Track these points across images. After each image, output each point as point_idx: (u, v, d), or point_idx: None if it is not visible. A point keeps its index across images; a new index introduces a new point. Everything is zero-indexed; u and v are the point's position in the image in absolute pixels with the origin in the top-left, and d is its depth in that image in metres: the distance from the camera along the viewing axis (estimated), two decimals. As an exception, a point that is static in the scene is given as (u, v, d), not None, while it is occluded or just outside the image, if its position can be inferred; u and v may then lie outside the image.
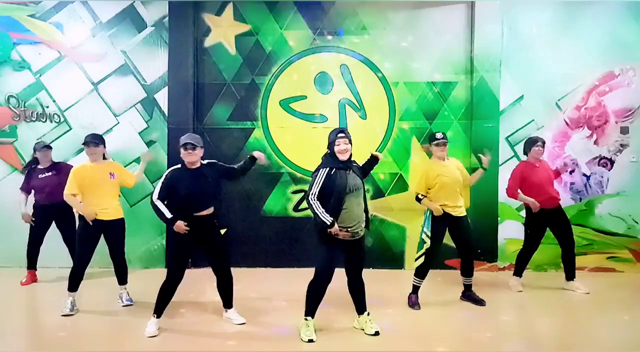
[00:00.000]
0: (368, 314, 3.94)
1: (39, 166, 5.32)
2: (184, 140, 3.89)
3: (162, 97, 6.06)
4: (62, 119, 6.08)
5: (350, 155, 3.82)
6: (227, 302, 4.13)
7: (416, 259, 4.57)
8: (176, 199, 3.82)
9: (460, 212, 4.56)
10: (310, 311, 3.83)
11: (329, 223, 3.62)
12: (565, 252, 5.07)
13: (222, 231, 4.14)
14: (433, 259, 4.57)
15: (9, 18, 6.03)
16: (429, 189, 4.55)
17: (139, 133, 6.08)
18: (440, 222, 4.52)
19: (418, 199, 4.59)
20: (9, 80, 6.06)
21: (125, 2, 6.05)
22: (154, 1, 6.04)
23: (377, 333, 3.82)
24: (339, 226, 3.67)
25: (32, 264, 5.41)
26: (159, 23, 6.06)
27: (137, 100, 6.09)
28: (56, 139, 5.99)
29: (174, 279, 3.87)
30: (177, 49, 5.99)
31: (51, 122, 6.07)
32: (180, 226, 3.77)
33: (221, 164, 4.16)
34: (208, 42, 6.11)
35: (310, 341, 3.72)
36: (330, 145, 3.77)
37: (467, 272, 4.65)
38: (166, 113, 6.04)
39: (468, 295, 4.72)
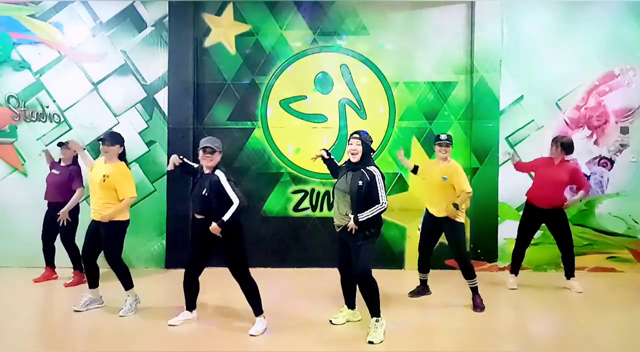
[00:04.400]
0: (377, 321, 3.80)
1: (61, 164, 5.37)
2: (204, 143, 3.89)
3: (162, 97, 6.06)
4: (62, 119, 6.08)
5: (368, 160, 3.85)
6: (253, 310, 4.00)
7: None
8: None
9: (438, 213, 4.59)
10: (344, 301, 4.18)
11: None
12: (564, 254, 5.13)
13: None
14: (420, 252, 4.83)
15: (9, 18, 6.03)
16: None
17: (139, 133, 6.08)
18: (427, 218, 4.76)
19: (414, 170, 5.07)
20: (9, 80, 6.06)
21: (125, 2, 6.05)
22: (154, 1, 6.04)
23: (370, 342, 3.70)
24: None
25: (47, 261, 5.41)
26: (159, 23, 6.06)
27: (137, 100, 6.08)
28: (56, 139, 5.96)
29: (186, 271, 4.05)
30: (177, 49, 5.99)
31: (51, 122, 6.07)
32: (173, 157, 4.07)
33: (222, 185, 3.82)
34: (208, 42, 6.11)
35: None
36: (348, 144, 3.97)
37: (464, 274, 4.54)
38: (166, 113, 6.04)
39: (472, 298, 4.58)
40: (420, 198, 4.90)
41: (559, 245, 5.10)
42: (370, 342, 3.68)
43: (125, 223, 4.40)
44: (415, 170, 5.06)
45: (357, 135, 3.84)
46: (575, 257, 5.15)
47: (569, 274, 5.17)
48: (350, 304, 4.14)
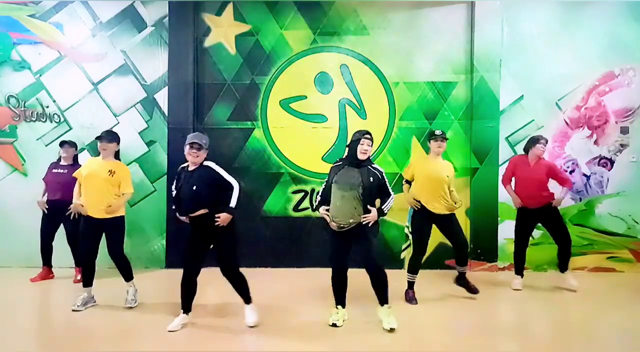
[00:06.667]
0: (389, 307, 3.98)
1: (61, 163, 5.39)
2: (191, 139, 3.88)
3: (162, 97, 6.07)
4: (62, 119, 6.08)
5: (370, 159, 3.98)
6: (244, 299, 4.12)
7: (402, 250, 4.86)
8: (179, 195, 3.96)
9: (439, 210, 4.61)
10: (337, 300, 4.07)
11: (313, 207, 3.86)
12: (562, 248, 5.14)
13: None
14: (418, 253, 4.70)
15: (9, 18, 6.04)
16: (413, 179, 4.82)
17: (139, 133, 6.08)
18: (420, 217, 4.69)
19: (407, 182, 4.83)
20: (9, 80, 6.07)
21: (125, 2, 6.06)
22: (154, 1, 6.05)
23: (391, 330, 3.86)
24: (331, 218, 3.89)
25: (44, 260, 5.42)
26: (159, 23, 6.07)
27: (137, 100, 6.09)
28: (56, 139, 5.97)
29: (185, 273, 3.97)
30: (177, 49, 6.00)
31: (51, 122, 6.07)
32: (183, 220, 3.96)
33: (217, 172, 3.93)
34: (208, 42, 6.11)
35: (334, 325, 3.96)
36: (353, 143, 3.91)
37: (460, 262, 4.74)
38: (166, 113, 6.04)
39: (462, 282, 4.81)
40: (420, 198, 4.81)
41: (556, 240, 5.14)
42: (392, 330, 3.84)
43: (124, 217, 4.53)
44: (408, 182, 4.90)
45: (369, 136, 3.92)
46: (571, 252, 5.17)
47: (564, 267, 5.20)
48: (344, 303, 4.14)
